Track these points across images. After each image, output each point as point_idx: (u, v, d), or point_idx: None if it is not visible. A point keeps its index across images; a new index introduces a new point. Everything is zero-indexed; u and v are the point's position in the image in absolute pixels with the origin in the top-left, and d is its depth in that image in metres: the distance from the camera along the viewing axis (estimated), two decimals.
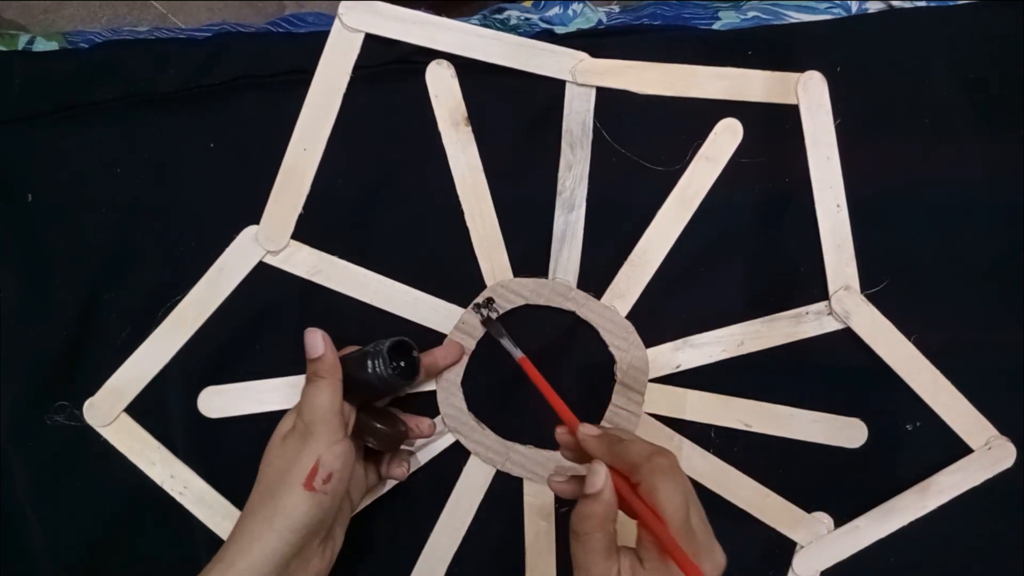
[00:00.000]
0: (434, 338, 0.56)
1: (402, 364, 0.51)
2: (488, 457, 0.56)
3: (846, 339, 0.56)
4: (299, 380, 0.55)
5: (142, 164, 0.57)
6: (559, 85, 0.56)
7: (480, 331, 0.56)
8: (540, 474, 0.56)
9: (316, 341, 0.49)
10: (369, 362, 0.49)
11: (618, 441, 0.43)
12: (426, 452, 0.56)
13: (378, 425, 0.50)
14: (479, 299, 0.56)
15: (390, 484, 0.57)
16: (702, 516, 0.41)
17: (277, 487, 0.46)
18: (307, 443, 0.47)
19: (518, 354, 0.52)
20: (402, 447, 0.54)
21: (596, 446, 0.44)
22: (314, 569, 0.49)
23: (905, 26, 0.57)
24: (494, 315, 0.55)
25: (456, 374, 0.56)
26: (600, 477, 0.42)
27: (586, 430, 0.45)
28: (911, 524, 0.56)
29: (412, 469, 0.56)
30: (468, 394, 0.56)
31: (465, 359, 0.56)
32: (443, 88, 0.56)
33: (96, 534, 0.57)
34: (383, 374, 0.49)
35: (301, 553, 0.47)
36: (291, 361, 0.56)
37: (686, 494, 0.40)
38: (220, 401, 0.57)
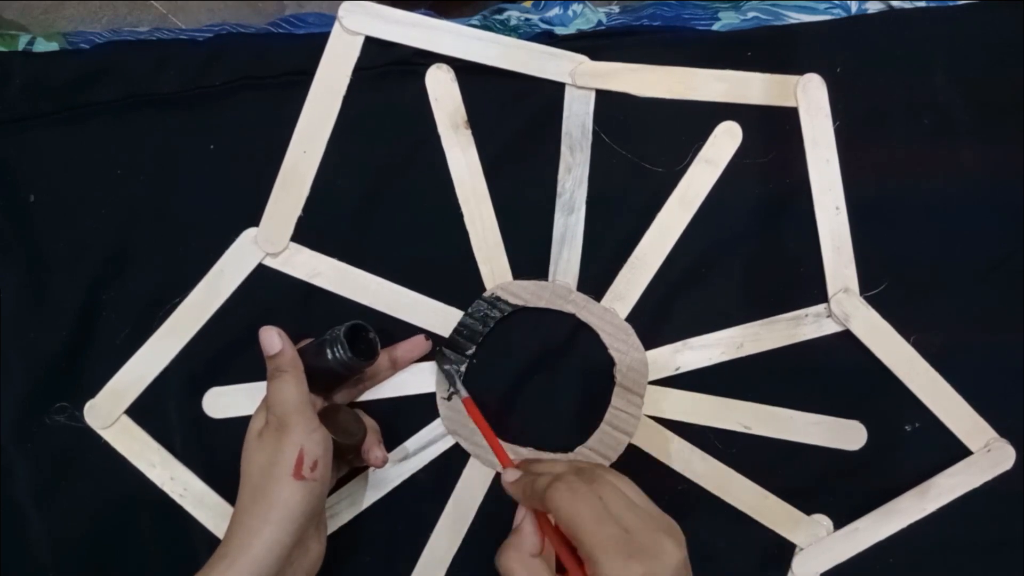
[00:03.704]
0: (433, 341, 0.56)
1: (361, 347, 0.51)
2: (487, 460, 0.56)
3: (845, 341, 0.56)
4: None
5: (142, 165, 0.57)
6: (559, 88, 0.57)
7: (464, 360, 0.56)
8: None
9: (272, 338, 0.49)
10: (328, 350, 0.50)
11: (531, 482, 0.45)
12: (426, 454, 0.56)
13: (340, 421, 0.51)
14: (478, 304, 0.56)
15: (382, 489, 0.57)
16: (641, 515, 0.41)
17: (266, 482, 0.46)
18: (285, 436, 0.47)
19: (463, 394, 0.53)
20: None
21: (514, 491, 0.47)
22: (314, 554, 0.49)
23: (905, 26, 0.57)
24: (498, 314, 0.56)
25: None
26: (519, 515, 0.47)
27: (507, 476, 0.48)
28: (910, 526, 0.56)
29: (412, 471, 0.56)
30: None
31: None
32: (443, 91, 0.57)
33: (96, 535, 0.57)
34: (343, 359, 0.49)
35: (301, 542, 0.47)
36: None
37: (594, 504, 0.41)
38: (225, 401, 0.57)
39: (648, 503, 0.44)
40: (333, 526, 0.56)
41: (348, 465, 0.55)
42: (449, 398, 0.56)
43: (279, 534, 0.45)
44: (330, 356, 0.50)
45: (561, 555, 0.44)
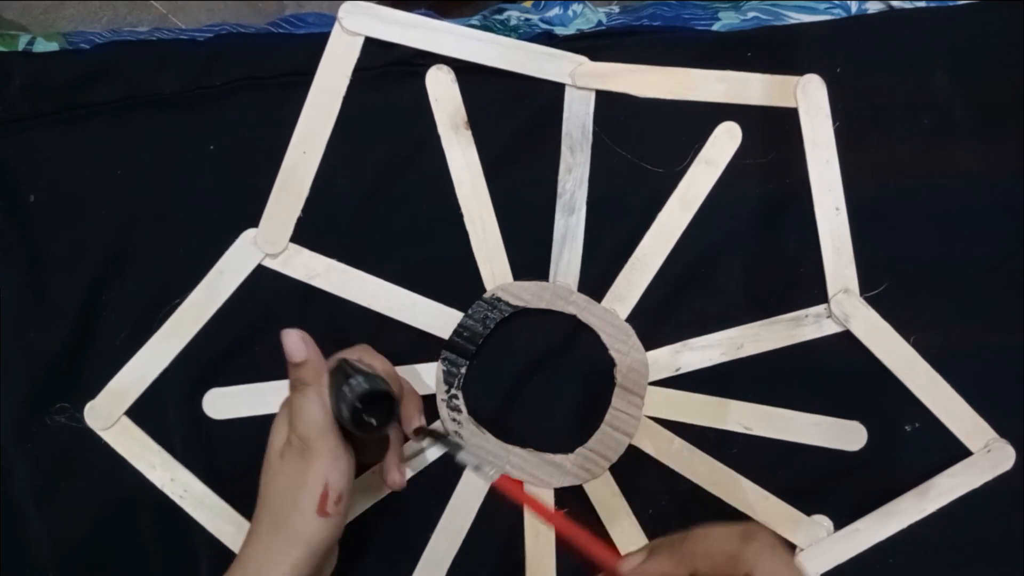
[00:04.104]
0: (433, 342, 0.56)
1: (372, 421, 0.45)
2: (488, 461, 0.56)
3: (845, 341, 0.56)
4: None
5: (142, 165, 0.57)
6: (559, 88, 0.57)
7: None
8: (540, 477, 0.56)
9: (296, 344, 0.45)
10: (341, 403, 0.45)
11: (679, 543, 0.38)
12: (426, 455, 0.56)
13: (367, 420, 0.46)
14: (478, 305, 0.56)
15: (382, 490, 0.56)
16: None
17: (288, 513, 0.44)
18: (309, 462, 0.44)
19: (492, 474, 0.47)
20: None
21: (659, 566, 0.39)
22: (328, 571, 0.49)
23: (905, 26, 0.57)
24: (499, 315, 0.55)
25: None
26: None
27: (630, 562, 0.39)
28: (910, 526, 0.56)
29: (413, 472, 0.56)
30: (468, 398, 0.56)
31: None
32: (443, 92, 0.57)
33: (96, 535, 0.57)
34: (349, 419, 0.44)
35: (318, 574, 0.46)
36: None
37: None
38: (225, 402, 0.57)
39: None
40: None
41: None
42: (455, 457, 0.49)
43: (299, 570, 0.44)
44: (342, 411, 0.45)
45: None
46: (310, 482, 0.44)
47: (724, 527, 0.39)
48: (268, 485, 0.46)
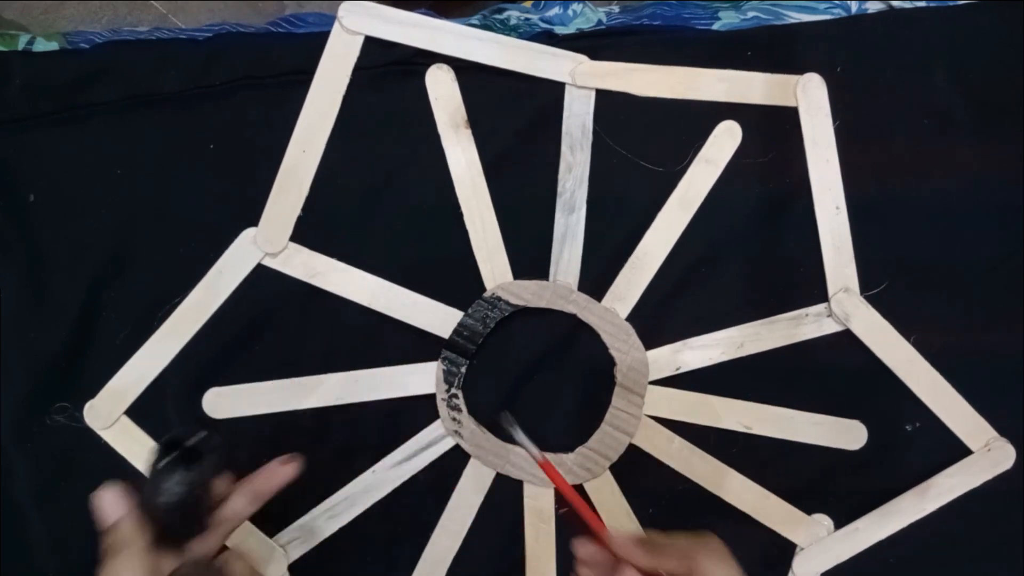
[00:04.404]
0: (433, 342, 0.56)
1: (192, 456, 0.42)
2: (488, 460, 0.56)
3: (846, 341, 0.56)
4: (304, 382, 0.56)
5: (142, 165, 0.57)
6: (559, 87, 0.57)
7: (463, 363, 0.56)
8: (540, 477, 0.56)
9: (107, 505, 0.40)
10: (161, 483, 0.40)
11: (659, 545, 0.43)
12: (426, 455, 0.56)
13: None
14: (478, 305, 0.56)
15: (382, 490, 0.57)
16: None
17: None
18: None
19: (538, 455, 0.49)
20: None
21: (634, 552, 0.43)
22: None
23: (905, 26, 0.57)
24: (499, 315, 0.55)
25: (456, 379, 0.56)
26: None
27: (620, 538, 0.44)
28: (910, 526, 0.56)
29: (412, 472, 0.56)
30: (468, 397, 0.56)
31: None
32: (443, 91, 0.57)
33: (96, 535, 0.57)
34: (169, 483, 0.40)
35: None
36: (290, 364, 0.56)
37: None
38: (225, 402, 0.57)
39: None
40: (333, 527, 0.56)
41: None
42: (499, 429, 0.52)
43: None
44: (160, 486, 0.40)
45: None
46: None
47: (687, 536, 0.44)
48: None
